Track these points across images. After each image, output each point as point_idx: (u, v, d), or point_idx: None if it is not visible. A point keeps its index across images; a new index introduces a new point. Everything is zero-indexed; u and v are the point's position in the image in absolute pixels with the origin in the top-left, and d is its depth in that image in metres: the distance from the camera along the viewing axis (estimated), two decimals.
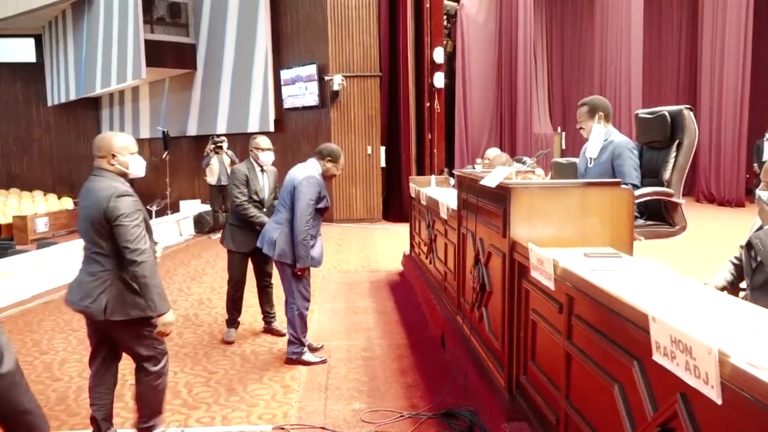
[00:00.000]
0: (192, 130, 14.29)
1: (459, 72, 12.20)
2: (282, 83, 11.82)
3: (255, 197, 4.45)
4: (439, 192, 5.61)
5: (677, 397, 1.46)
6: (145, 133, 16.50)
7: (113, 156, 2.71)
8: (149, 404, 2.87)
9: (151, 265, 2.61)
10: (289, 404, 3.41)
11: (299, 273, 3.87)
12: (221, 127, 12.98)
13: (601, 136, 3.60)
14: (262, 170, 4.54)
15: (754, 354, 1.29)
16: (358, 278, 6.70)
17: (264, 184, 4.54)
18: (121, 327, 2.69)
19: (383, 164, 11.31)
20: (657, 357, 1.50)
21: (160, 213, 11.98)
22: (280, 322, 4.62)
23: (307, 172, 3.88)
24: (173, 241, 9.75)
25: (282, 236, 3.88)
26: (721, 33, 11.74)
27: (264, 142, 4.58)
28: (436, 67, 10.92)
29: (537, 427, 2.51)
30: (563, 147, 12.16)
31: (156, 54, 13.17)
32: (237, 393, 3.59)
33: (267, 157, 4.56)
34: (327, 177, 4.02)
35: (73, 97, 17.71)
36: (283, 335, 4.45)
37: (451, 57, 12.23)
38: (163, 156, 12.60)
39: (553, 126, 13.88)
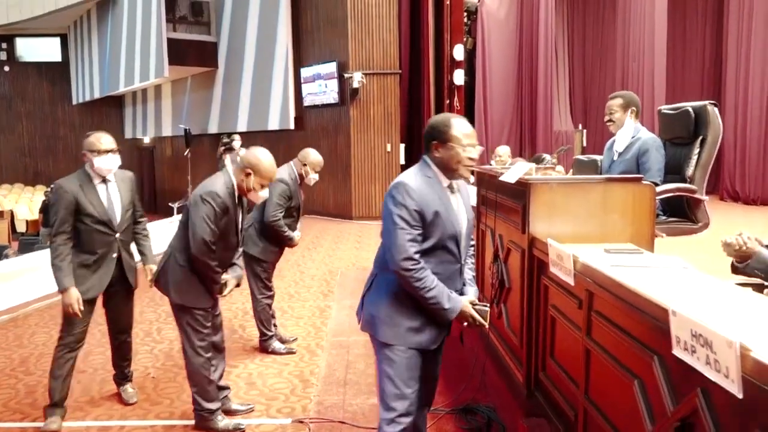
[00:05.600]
0: (213, 128, 14.44)
1: (479, 69, 12.14)
2: (302, 81, 11.88)
3: (91, 221, 3.08)
4: None
5: (697, 391, 1.45)
6: (167, 131, 16.73)
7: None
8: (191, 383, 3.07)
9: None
10: (308, 398, 3.45)
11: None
12: (242, 125, 13.08)
13: (630, 132, 3.58)
14: (104, 181, 3.17)
15: None
16: None
17: (109, 199, 3.17)
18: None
19: (402, 161, 11.31)
20: (677, 351, 1.49)
21: (182, 210, 12.13)
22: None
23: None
24: None
25: None
26: (747, 27, 11.51)
27: (102, 140, 3.14)
28: (456, 65, 10.88)
29: (555, 423, 2.50)
30: (584, 144, 12.01)
31: (178, 52, 13.33)
32: (256, 387, 3.63)
33: (106, 163, 3.12)
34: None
35: (97, 95, 18.02)
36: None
37: (471, 54, 12.18)
38: (185, 153, 12.74)
39: (574, 123, 13.75)
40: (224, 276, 3.03)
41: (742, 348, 1.26)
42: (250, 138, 12.10)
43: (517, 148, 12.38)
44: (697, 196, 3.41)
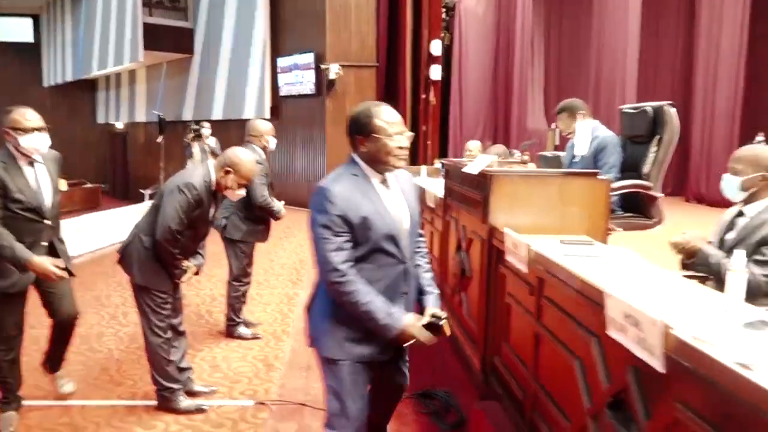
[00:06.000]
0: (188, 115, 14.28)
1: (455, 64, 12.22)
2: (279, 70, 11.84)
3: (19, 207, 2.77)
4: (428, 182, 5.68)
5: (628, 369, 1.54)
6: (140, 117, 16.49)
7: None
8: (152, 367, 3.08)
9: None
10: (271, 382, 3.50)
11: None
12: (217, 113, 12.99)
13: (588, 134, 3.70)
14: (31, 163, 2.86)
15: (698, 328, 1.37)
16: None
17: (37, 183, 2.87)
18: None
19: None
20: (611, 332, 1.58)
21: (153, 197, 12.01)
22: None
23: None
24: None
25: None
26: (717, 31, 11.78)
27: (27, 117, 2.81)
28: (432, 60, 10.96)
29: (508, 406, 2.59)
30: (557, 143, 12.17)
31: (154, 37, 13.14)
32: (221, 370, 3.67)
33: (33, 143, 2.81)
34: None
35: (69, 78, 17.67)
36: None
37: (448, 49, 12.26)
38: (158, 140, 12.60)
39: (547, 121, 13.91)
40: (185, 263, 3.06)
41: (665, 327, 1.36)
42: (225, 126, 12.04)
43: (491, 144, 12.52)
44: (651, 192, 3.53)
